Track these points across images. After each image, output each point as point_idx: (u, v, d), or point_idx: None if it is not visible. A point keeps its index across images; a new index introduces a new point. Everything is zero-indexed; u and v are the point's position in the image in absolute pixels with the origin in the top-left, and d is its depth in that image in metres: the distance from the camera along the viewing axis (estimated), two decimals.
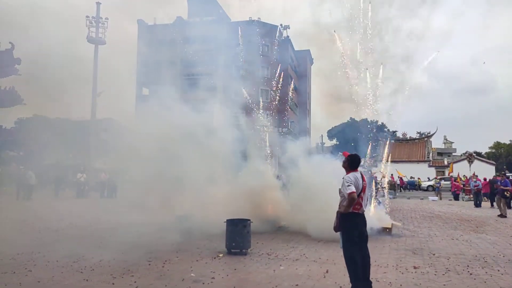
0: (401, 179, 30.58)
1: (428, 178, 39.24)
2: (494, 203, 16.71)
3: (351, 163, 5.05)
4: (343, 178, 4.95)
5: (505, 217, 13.67)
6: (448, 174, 36.00)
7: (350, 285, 4.82)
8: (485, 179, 20.29)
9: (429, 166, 43.58)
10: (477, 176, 21.31)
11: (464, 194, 25.22)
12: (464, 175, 31.00)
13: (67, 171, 21.85)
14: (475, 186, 18.82)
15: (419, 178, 38.31)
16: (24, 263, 6.39)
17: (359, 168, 5.15)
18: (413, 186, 37.92)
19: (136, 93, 26.73)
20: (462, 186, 25.11)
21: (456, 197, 23.91)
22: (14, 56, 20.16)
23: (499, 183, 14.74)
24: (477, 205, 18.23)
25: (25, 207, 15.63)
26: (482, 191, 18.95)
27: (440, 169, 43.40)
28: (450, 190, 25.96)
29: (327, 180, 9.23)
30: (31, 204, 16.43)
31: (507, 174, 20.74)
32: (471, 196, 23.02)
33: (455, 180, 26.82)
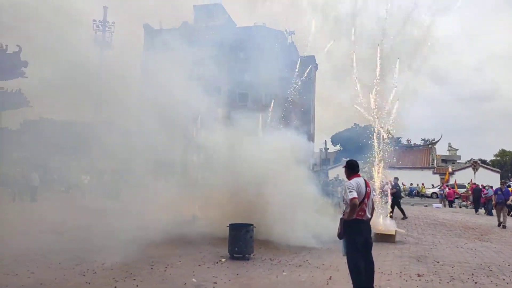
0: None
1: (432, 185, 38.98)
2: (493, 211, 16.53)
3: (350, 168, 5.13)
4: (345, 185, 4.97)
5: (505, 227, 13.34)
6: (444, 182, 36.01)
7: None
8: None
9: (434, 173, 43.29)
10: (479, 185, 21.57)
11: (461, 201, 25.41)
12: (468, 183, 30.90)
13: (72, 173, 21.87)
14: (485, 194, 18.77)
15: (404, 184, 37.95)
16: (27, 264, 6.39)
17: (362, 174, 5.18)
18: (417, 193, 37.65)
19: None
20: (455, 193, 25.97)
21: (450, 204, 24.67)
22: (21, 58, 20.30)
23: (499, 192, 14.56)
24: (482, 212, 18.30)
25: (28, 208, 15.66)
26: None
27: (445, 176, 43.07)
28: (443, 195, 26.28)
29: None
30: (35, 206, 16.47)
31: (508, 183, 20.67)
32: (469, 203, 23.39)
33: (450, 188, 27.34)
